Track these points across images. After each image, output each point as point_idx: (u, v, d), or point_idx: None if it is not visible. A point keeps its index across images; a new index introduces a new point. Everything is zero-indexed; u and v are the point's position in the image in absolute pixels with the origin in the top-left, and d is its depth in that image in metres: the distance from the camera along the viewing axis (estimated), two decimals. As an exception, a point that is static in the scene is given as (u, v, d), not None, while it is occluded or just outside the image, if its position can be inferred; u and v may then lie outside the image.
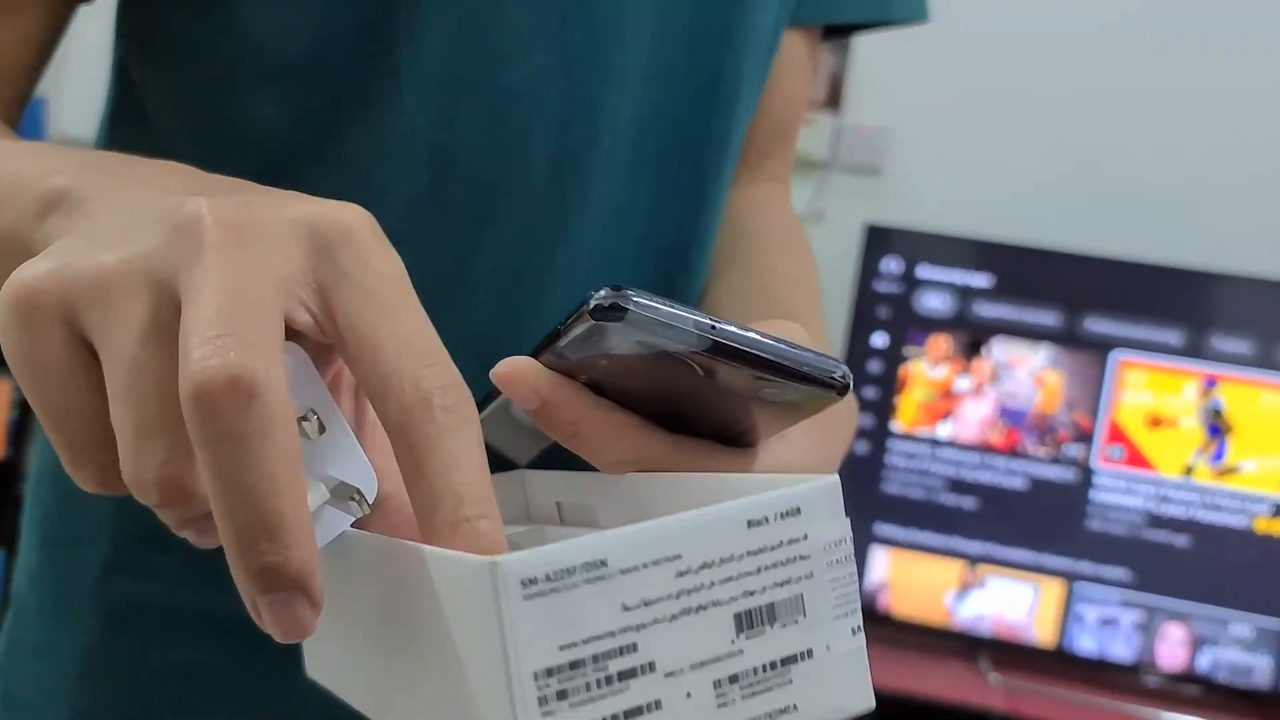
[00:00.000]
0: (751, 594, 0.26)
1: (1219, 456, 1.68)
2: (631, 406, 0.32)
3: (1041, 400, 1.72)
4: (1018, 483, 1.73)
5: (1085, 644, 1.72)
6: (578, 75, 0.51)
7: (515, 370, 0.31)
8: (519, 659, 0.23)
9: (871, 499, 1.77)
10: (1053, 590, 1.73)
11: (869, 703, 0.27)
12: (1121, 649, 1.71)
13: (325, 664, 0.35)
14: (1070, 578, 1.72)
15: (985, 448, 1.74)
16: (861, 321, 1.76)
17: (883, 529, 1.77)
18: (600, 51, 0.51)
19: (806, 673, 0.26)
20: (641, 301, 0.28)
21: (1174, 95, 1.88)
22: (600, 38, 0.51)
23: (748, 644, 0.26)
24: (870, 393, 1.77)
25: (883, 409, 1.77)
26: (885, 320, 1.76)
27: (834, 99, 1.98)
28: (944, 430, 1.75)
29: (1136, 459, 1.70)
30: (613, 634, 0.24)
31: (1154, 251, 1.81)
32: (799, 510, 0.27)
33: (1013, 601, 1.74)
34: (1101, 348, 1.71)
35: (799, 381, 0.30)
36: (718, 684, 0.25)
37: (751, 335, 0.29)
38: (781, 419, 0.32)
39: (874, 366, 1.77)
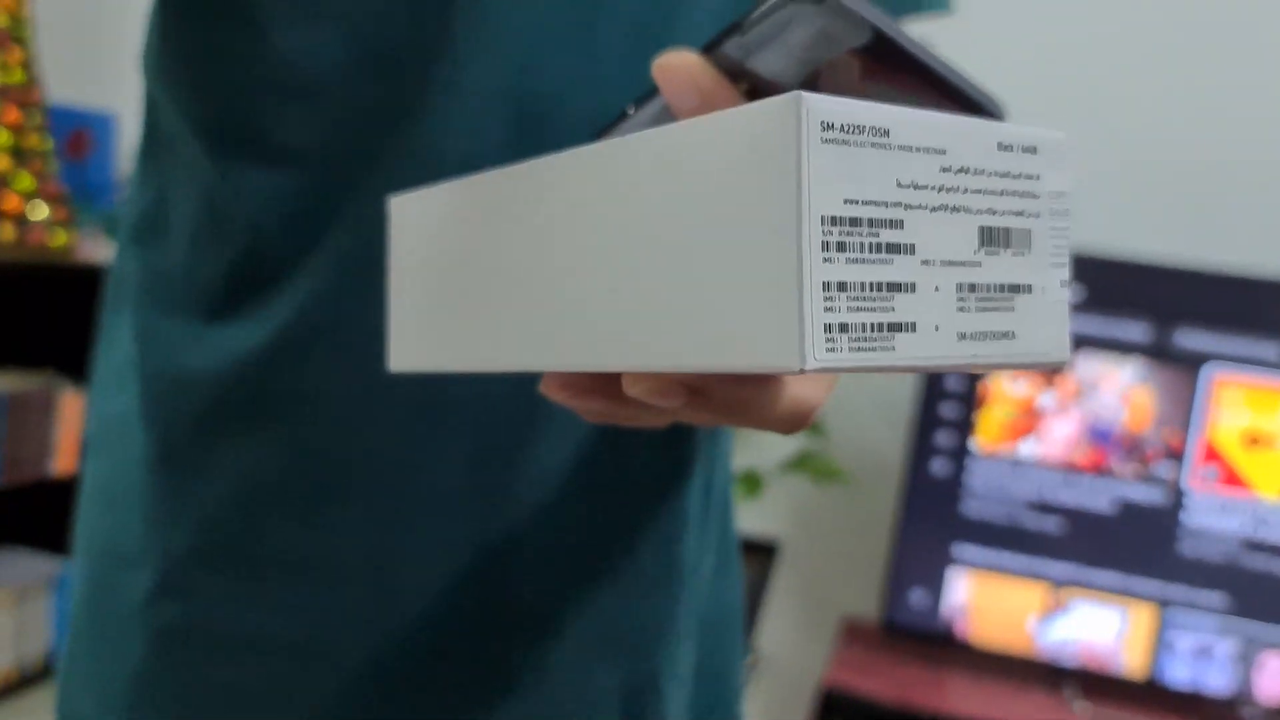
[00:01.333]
0: (994, 213, 0.27)
1: (1322, 478, 1.59)
2: None
3: (1129, 418, 1.65)
4: (1104, 504, 1.66)
5: (1178, 674, 1.64)
6: (607, 84, 0.50)
7: (680, 63, 0.30)
8: (812, 200, 0.24)
9: (951, 520, 1.72)
10: (1143, 616, 1.65)
11: (1067, 355, 0.29)
12: (1218, 679, 1.63)
13: (433, 340, 0.36)
14: (1162, 603, 1.65)
15: (1070, 467, 1.67)
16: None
17: (963, 551, 1.71)
18: (634, 59, 0.51)
19: (1025, 306, 0.28)
20: None
21: (1268, 95, 1.80)
22: (633, 44, 0.50)
23: (986, 259, 0.27)
24: (949, 410, 1.72)
25: (963, 426, 1.71)
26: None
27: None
28: (1026, 449, 1.69)
29: (1233, 480, 1.62)
30: (886, 204, 0.25)
31: (1250, 262, 1.73)
32: (1036, 150, 0.28)
33: (1100, 628, 1.67)
34: (1194, 363, 1.63)
35: (958, 105, 0.31)
36: (959, 287, 0.27)
37: (926, 47, 0.30)
38: None
39: (952, 382, 1.72)
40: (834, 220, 0.24)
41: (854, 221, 0.24)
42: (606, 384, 0.34)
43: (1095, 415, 1.67)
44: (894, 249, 0.25)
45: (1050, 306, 0.29)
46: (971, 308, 0.27)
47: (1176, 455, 1.64)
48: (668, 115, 0.33)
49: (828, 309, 0.24)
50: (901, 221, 0.25)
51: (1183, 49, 1.83)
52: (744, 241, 0.25)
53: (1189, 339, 1.64)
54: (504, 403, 0.52)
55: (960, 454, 1.72)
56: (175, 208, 0.54)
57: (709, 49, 0.30)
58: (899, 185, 0.25)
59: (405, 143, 0.49)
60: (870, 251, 0.25)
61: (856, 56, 0.29)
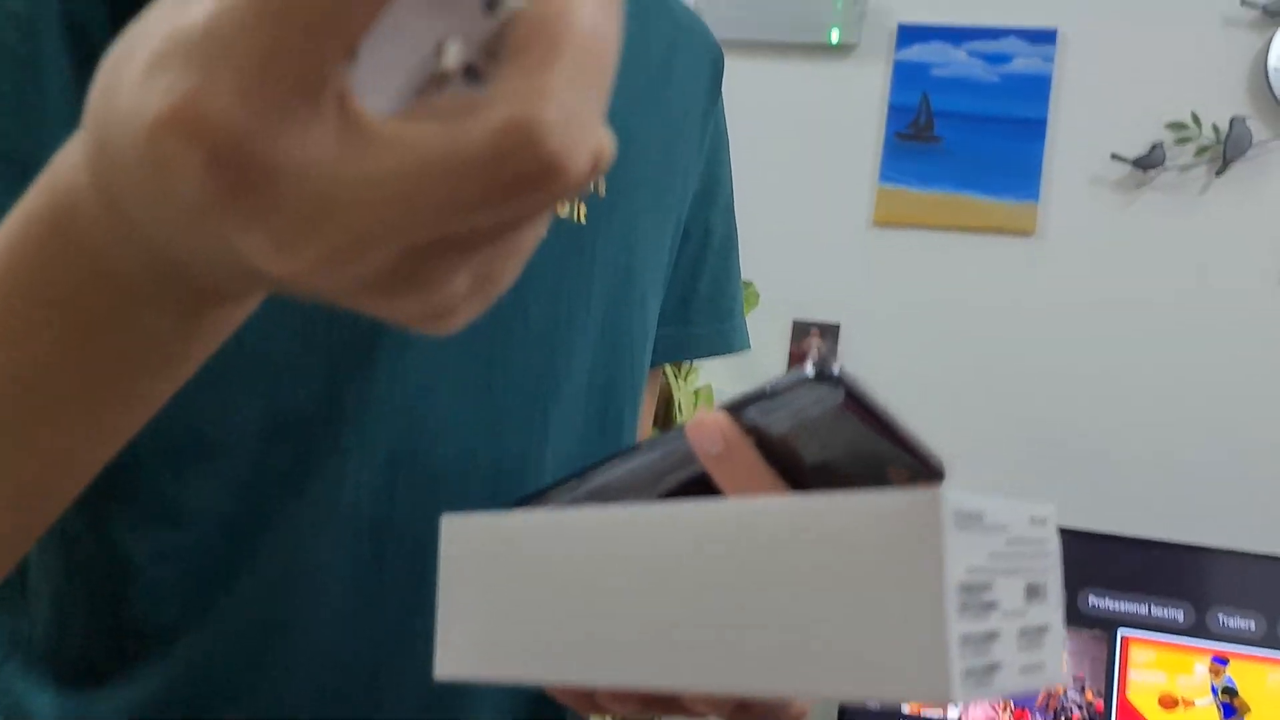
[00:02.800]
0: (1032, 571, 0.34)
1: (1238, 739, 1.63)
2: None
3: (1051, 680, 1.70)
4: (1035, 768, 1.68)
5: None
6: (507, 436, 0.54)
7: (713, 420, 0.38)
8: (951, 573, 0.29)
9: (885, 787, 1.71)
10: None
11: (1066, 681, 0.35)
12: None
13: (494, 652, 0.39)
14: None
15: (998, 731, 1.70)
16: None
17: (898, 820, 1.70)
18: (531, 410, 0.55)
19: (1046, 642, 0.35)
20: (847, 371, 0.37)
21: (1170, 372, 1.95)
22: (531, 397, 0.55)
23: (1029, 608, 0.34)
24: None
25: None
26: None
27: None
28: (953, 712, 1.71)
29: (1154, 742, 1.65)
30: (984, 570, 0.31)
31: (1153, 528, 1.83)
32: (1045, 521, 0.36)
33: None
34: (1107, 625, 1.70)
35: (910, 455, 0.39)
36: (1019, 632, 0.33)
37: (882, 406, 0.38)
38: None
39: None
40: (961, 586, 0.30)
41: (968, 587, 0.30)
42: (658, 697, 0.40)
43: (1018, 678, 1.71)
44: (989, 606, 0.31)
45: (1057, 640, 0.36)
46: (1025, 647, 0.33)
47: (1099, 717, 1.67)
48: (679, 454, 0.40)
49: (962, 657, 0.29)
50: (990, 585, 0.32)
51: (1092, 327, 1.99)
52: (892, 599, 0.30)
53: (1100, 601, 1.71)
54: None
55: (891, 717, 1.74)
56: (34, 566, 0.50)
57: (733, 410, 0.39)
58: (989, 555, 0.32)
59: (309, 504, 0.49)
60: (978, 610, 0.31)
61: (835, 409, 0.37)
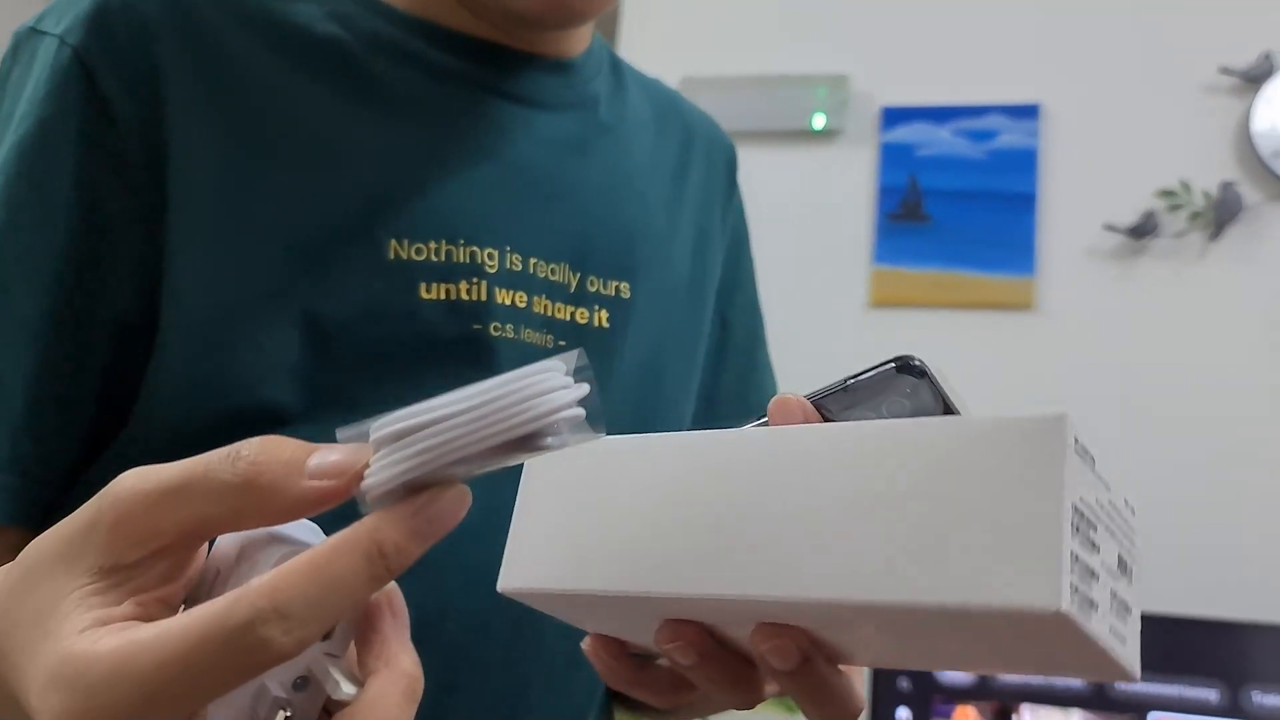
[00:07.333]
0: (1124, 546, 0.36)
1: (1285, 825, 1.55)
2: None
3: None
4: None
5: None
6: None
7: (795, 402, 0.39)
8: (1070, 488, 0.31)
9: None
10: None
11: (1136, 674, 0.36)
12: None
13: (570, 564, 0.37)
14: None
15: (1031, 828, 1.62)
16: (883, 694, 1.70)
17: None
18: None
19: (1129, 621, 0.35)
20: (930, 365, 0.38)
21: (1181, 441, 1.91)
22: None
23: (1121, 577, 0.35)
24: (902, 772, 1.68)
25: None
26: (908, 693, 1.70)
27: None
28: (985, 809, 1.64)
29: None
30: (1091, 509, 0.33)
31: (1181, 605, 1.77)
32: (1133, 510, 0.38)
33: None
34: (1137, 709, 1.63)
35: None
36: (1112, 593, 0.34)
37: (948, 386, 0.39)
38: None
39: (902, 743, 1.69)
40: (1075, 508, 0.31)
41: (1081, 514, 0.32)
42: (709, 639, 0.37)
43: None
44: (1093, 547, 0.32)
45: (1137, 625, 0.36)
46: (1117, 612, 0.34)
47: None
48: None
49: (1071, 571, 0.30)
50: (1096, 527, 0.33)
51: (1107, 398, 1.96)
52: (1011, 511, 0.31)
53: (1128, 685, 1.65)
54: None
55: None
56: None
57: (811, 397, 0.39)
58: (1096, 500, 0.33)
59: None
60: (1086, 543, 0.32)
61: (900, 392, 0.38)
